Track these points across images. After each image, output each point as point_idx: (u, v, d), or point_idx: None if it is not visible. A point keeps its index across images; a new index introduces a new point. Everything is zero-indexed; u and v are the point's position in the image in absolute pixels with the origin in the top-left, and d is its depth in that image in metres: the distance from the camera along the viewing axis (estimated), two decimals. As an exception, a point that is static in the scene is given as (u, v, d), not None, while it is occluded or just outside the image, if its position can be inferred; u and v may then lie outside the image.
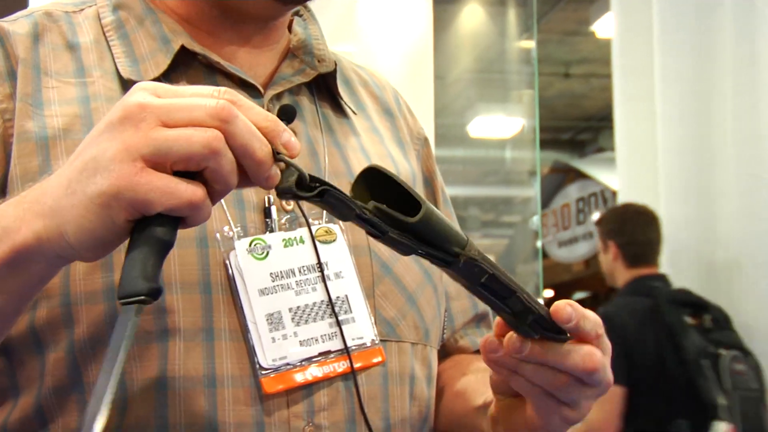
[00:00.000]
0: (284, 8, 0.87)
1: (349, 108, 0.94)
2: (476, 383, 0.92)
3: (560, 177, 9.22)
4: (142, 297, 0.57)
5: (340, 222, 0.84)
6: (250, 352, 0.77)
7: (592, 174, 8.43)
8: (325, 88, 0.93)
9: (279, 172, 0.62)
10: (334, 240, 0.84)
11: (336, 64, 0.92)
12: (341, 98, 0.93)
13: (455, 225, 0.67)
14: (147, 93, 0.61)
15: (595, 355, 0.73)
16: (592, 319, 0.74)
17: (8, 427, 0.78)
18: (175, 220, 0.59)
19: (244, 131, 0.60)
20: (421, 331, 0.88)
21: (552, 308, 0.71)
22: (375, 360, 0.82)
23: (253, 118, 0.61)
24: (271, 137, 0.61)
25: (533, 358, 0.73)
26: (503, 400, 0.81)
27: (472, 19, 4.73)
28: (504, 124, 5.86)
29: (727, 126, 2.02)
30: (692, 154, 2.06)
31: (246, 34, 0.88)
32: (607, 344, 0.76)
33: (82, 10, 0.89)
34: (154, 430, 0.75)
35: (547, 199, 8.44)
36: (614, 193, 8.47)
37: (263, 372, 0.76)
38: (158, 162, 0.58)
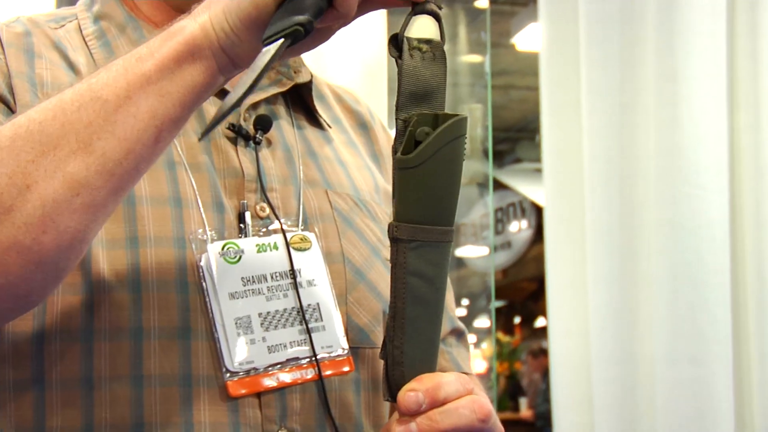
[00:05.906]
0: None
1: (324, 121, 0.95)
2: None
3: (479, 187, 9.34)
4: (301, 21, 0.62)
5: (316, 230, 0.85)
6: (219, 354, 0.76)
7: (511, 184, 8.57)
8: (300, 101, 0.94)
9: None
10: (309, 248, 0.83)
11: (312, 76, 0.94)
12: (316, 111, 0.94)
13: None
14: None
15: (480, 400, 0.72)
16: (454, 382, 0.72)
17: None
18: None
19: None
20: None
21: (398, 398, 0.70)
22: (344, 369, 0.82)
23: None
24: None
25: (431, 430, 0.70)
26: None
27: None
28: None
29: (649, 138, 2.07)
30: (616, 165, 2.09)
31: None
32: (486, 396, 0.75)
33: (63, 26, 0.89)
34: (130, 429, 0.73)
35: (466, 209, 8.55)
36: (532, 204, 8.66)
37: (229, 375, 0.76)
38: None
